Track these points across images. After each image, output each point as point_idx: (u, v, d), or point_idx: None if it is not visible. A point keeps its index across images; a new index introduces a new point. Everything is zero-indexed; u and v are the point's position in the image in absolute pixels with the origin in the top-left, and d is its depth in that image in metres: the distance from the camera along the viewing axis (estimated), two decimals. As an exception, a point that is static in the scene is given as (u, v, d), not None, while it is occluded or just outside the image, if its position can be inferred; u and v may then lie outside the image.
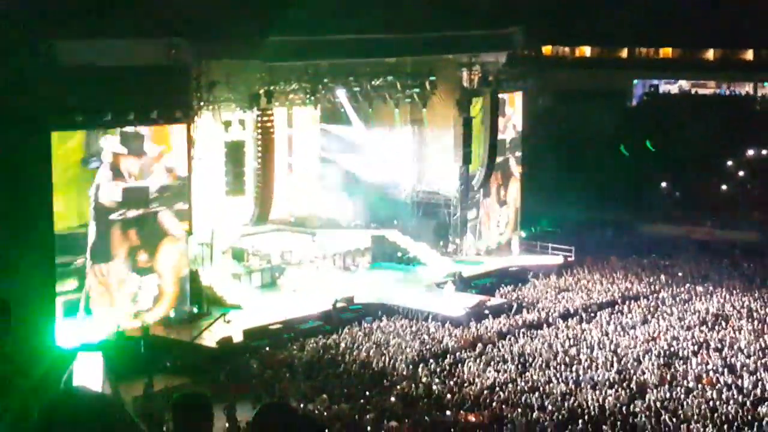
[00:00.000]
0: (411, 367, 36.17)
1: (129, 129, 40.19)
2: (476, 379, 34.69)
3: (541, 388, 33.74)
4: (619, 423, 30.55)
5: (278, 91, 46.15)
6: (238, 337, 38.80)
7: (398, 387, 34.02)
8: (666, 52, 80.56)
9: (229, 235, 47.19)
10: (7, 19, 38.96)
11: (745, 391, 33.31)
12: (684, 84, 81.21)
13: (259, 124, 44.05)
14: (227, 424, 31.21)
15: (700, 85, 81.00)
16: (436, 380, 34.71)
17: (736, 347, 38.01)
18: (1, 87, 38.73)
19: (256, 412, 4.66)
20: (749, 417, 30.91)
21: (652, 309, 43.87)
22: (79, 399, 4.22)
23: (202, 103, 43.16)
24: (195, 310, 41.74)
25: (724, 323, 41.44)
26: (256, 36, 42.54)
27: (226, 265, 45.93)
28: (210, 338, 38.85)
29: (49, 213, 38.29)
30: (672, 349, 37.91)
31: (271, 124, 44.29)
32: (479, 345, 38.75)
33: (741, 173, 67.39)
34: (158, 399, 34.05)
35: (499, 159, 54.91)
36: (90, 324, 38.92)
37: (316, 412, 31.40)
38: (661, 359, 36.67)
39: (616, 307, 44.39)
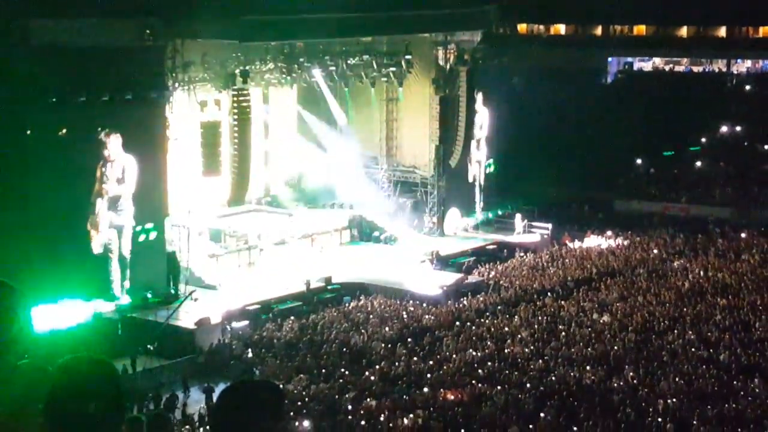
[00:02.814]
0: (389, 345, 36.28)
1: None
2: (455, 357, 34.83)
3: (519, 365, 33.92)
4: (597, 399, 30.76)
5: (254, 70, 45.99)
6: (216, 318, 38.74)
7: (377, 366, 34.12)
8: (640, 29, 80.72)
9: (206, 216, 47.05)
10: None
11: (721, 365, 33.60)
12: (658, 61, 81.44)
13: (235, 104, 43.87)
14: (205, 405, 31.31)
15: (674, 63, 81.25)
16: (415, 359, 34.82)
17: (711, 322, 38.29)
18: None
19: (218, 396, 4.73)
20: (725, 391, 31.21)
21: (628, 285, 44.10)
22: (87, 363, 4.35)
23: (177, 84, 42.93)
24: (172, 291, 41.59)
25: (699, 298, 41.72)
26: (230, 15, 42.31)
27: (203, 245, 45.79)
28: (188, 319, 38.78)
29: (25, 194, 38.11)
30: (648, 324, 38.16)
31: (247, 104, 44.13)
32: (457, 323, 38.88)
33: (715, 149, 67.71)
34: (139, 380, 34.09)
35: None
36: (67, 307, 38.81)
37: (295, 391, 31.47)
38: (638, 335, 36.91)
39: (593, 284, 44.57)
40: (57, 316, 38.12)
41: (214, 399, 30.78)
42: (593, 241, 53.20)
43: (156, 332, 37.24)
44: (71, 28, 38.73)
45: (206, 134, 44.26)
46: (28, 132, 38.65)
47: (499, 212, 56.99)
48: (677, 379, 32.08)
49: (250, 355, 36.03)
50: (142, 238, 41.41)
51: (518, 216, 54.59)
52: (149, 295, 41.20)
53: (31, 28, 37.91)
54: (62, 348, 35.87)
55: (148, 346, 36.32)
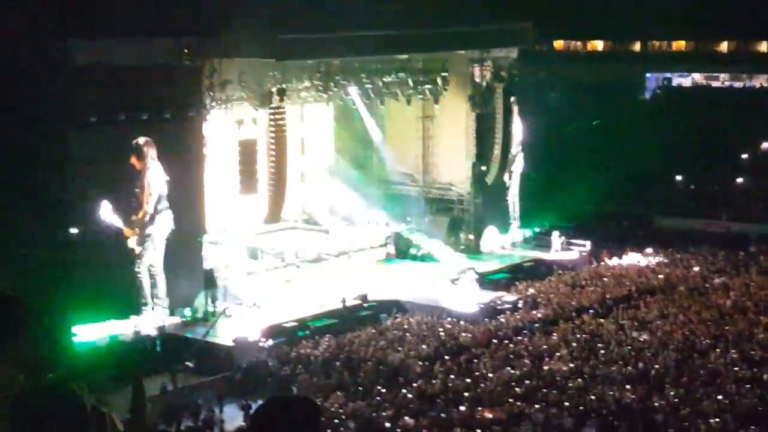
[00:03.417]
0: (426, 363, 36.11)
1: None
2: (492, 375, 34.60)
3: (557, 384, 33.64)
4: (637, 418, 30.42)
5: (290, 89, 46.09)
6: (253, 335, 38.78)
7: (414, 384, 33.96)
8: (679, 45, 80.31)
9: (243, 234, 47.19)
10: (21, 19, 39.06)
11: (764, 384, 33.13)
12: (697, 77, 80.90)
13: (272, 122, 43.99)
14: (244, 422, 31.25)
15: (713, 78, 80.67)
16: (452, 377, 34.63)
17: (753, 341, 37.81)
18: (16, 87, 38.90)
19: (255, 410, 4.66)
20: (768, 410, 30.80)
21: (668, 303, 43.67)
22: (47, 389, 4.25)
23: (214, 102, 43.15)
24: (210, 308, 41.69)
25: (741, 316, 41.21)
26: (267, 34, 42.48)
27: (240, 263, 45.90)
28: (225, 336, 38.84)
29: (66, 213, 38.41)
30: (689, 343, 37.74)
31: (284, 122, 44.25)
32: (494, 341, 38.65)
33: (756, 166, 67.07)
34: (176, 398, 34.20)
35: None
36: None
37: (332, 409, 31.38)
38: (679, 353, 36.51)
39: (632, 301, 44.19)
40: (97, 332, 38.46)
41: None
42: (632, 259, 52.77)
43: (193, 349, 37.30)
44: (110, 47, 39.03)
45: (243, 152, 44.41)
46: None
47: (536, 229, 56.69)
48: (719, 399, 31.66)
49: (286, 372, 35.97)
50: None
51: (555, 233, 54.23)
52: (210, 308, 41.39)
53: (70, 48, 38.24)
54: (100, 364, 36.22)
55: (187, 363, 36.36)
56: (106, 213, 39.10)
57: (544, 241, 54.82)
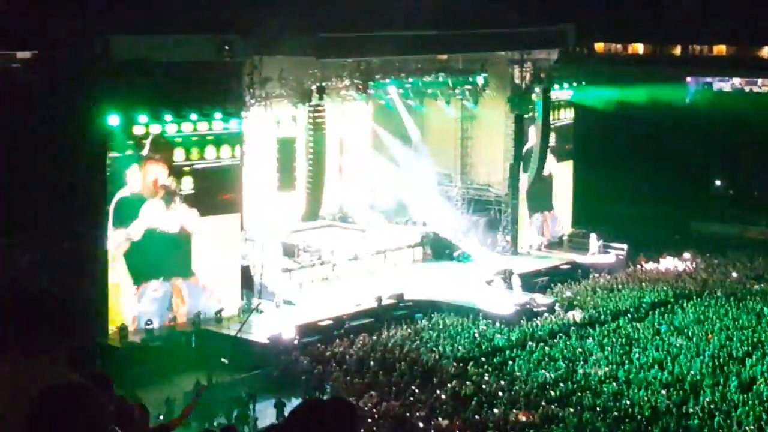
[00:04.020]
0: (461, 364, 36.08)
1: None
2: (526, 378, 34.52)
3: (592, 387, 33.52)
4: (672, 424, 30.26)
5: (330, 87, 46.19)
6: (288, 333, 38.90)
7: (448, 385, 33.95)
8: (720, 49, 79.57)
9: (280, 231, 47.36)
10: (64, 14, 39.45)
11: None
12: (738, 82, 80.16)
13: (311, 120, 44.11)
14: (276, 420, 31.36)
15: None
16: (486, 378, 34.59)
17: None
18: (60, 82, 39.33)
19: (291, 410, 4.71)
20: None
21: (705, 308, 43.37)
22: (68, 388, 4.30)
23: (254, 99, 43.33)
24: (246, 305, 41.87)
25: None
26: (308, 32, 42.59)
27: (277, 260, 46.10)
28: (260, 334, 39.00)
29: (105, 219, 38.80)
30: (726, 349, 37.47)
31: (323, 120, 44.35)
32: (530, 343, 38.56)
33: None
34: (209, 394, 34.34)
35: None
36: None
37: (366, 408, 31.44)
38: (715, 359, 36.27)
39: (669, 306, 43.94)
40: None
41: (285, 414, 30.93)
42: (669, 263, 52.44)
43: (228, 346, 37.47)
44: (152, 44, 39.30)
45: (282, 150, 44.58)
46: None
47: (574, 231, 56.50)
48: (756, 406, 31.42)
49: (320, 371, 36.05)
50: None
51: (593, 236, 54.00)
52: (246, 305, 41.60)
53: (113, 44, 38.56)
54: (135, 360, 36.56)
55: (222, 359, 36.56)
56: None
57: (581, 243, 54.57)
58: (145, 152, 39.79)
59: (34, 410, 4.17)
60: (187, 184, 41.09)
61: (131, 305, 39.86)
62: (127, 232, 39.95)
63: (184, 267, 41.30)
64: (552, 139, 54.39)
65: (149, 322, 39.59)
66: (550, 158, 55.03)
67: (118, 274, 39.68)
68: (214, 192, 41.59)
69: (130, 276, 39.93)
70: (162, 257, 40.66)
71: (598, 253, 53.10)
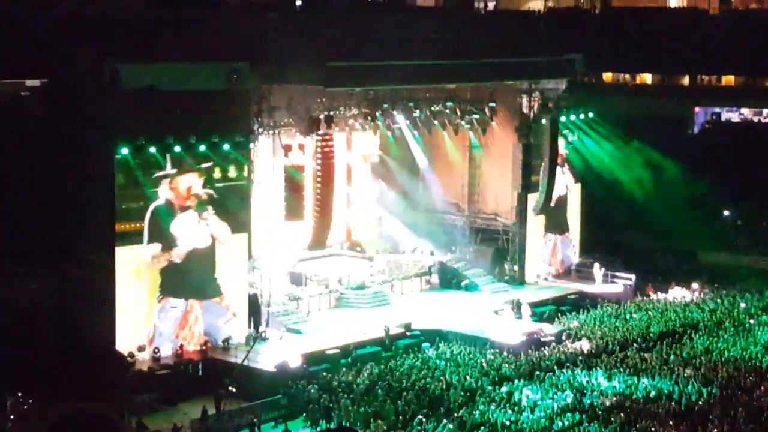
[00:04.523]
0: (468, 394, 35.94)
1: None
2: (534, 407, 34.37)
3: (600, 417, 33.35)
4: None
5: (338, 116, 46.33)
6: (295, 361, 38.82)
7: (455, 414, 33.81)
8: (728, 79, 79.68)
9: (288, 260, 47.38)
10: (73, 43, 39.69)
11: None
12: (746, 112, 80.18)
13: (319, 149, 44.19)
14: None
15: (762, 114, 79.91)
16: (493, 407, 34.44)
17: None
18: (68, 110, 39.54)
19: None
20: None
21: (713, 339, 43.21)
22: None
23: (262, 128, 43.46)
24: (254, 333, 41.82)
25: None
26: (316, 62, 42.75)
27: (284, 288, 46.10)
28: (267, 362, 38.92)
29: (113, 236, 38.83)
30: (734, 379, 37.30)
31: (331, 149, 44.42)
32: (537, 372, 38.41)
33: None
34: (216, 421, 34.30)
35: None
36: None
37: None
38: (723, 390, 36.09)
39: (677, 336, 43.79)
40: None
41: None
42: (678, 293, 52.30)
43: (235, 374, 37.40)
44: (161, 72, 39.45)
45: (290, 178, 44.64)
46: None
47: (580, 260, 56.50)
48: (764, 436, 31.27)
49: (327, 399, 35.93)
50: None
51: (596, 265, 54.08)
52: (254, 333, 41.55)
53: (121, 72, 38.72)
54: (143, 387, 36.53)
55: (229, 387, 36.48)
56: None
57: (587, 273, 54.55)
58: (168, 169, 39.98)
59: None
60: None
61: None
62: (171, 254, 40.18)
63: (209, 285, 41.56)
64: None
65: (156, 351, 39.48)
66: (569, 177, 55.25)
67: (143, 290, 39.73)
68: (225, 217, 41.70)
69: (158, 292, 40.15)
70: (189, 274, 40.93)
71: (602, 283, 53.08)
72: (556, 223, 55.60)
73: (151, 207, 39.63)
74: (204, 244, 41.05)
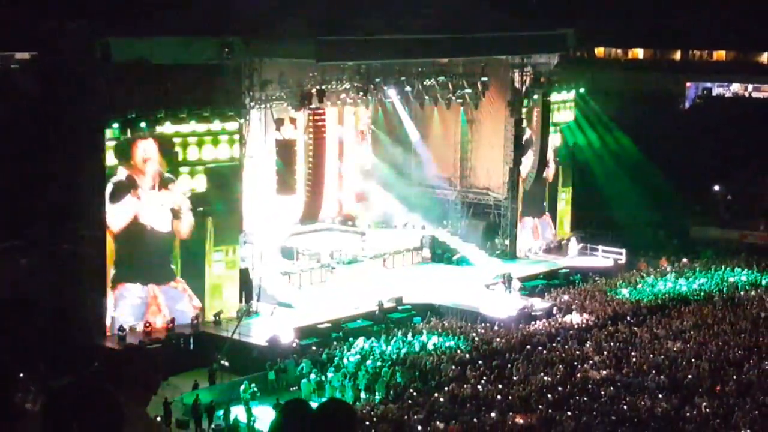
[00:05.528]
0: (459, 367, 36.09)
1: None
2: (524, 381, 34.54)
3: (590, 391, 33.53)
4: (669, 428, 30.28)
5: (330, 90, 46.22)
6: (287, 336, 38.92)
7: (446, 388, 33.96)
8: (720, 54, 79.74)
9: (279, 234, 47.39)
10: (64, 17, 39.52)
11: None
12: (737, 87, 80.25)
13: (311, 123, 44.12)
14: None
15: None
16: (484, 381, 34.60)
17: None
18: (59, 84, 39.38)
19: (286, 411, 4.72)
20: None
21: (703, 313, 43.40)
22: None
23: (253, 102, 43.35)
24: (245, 307, 41.87)
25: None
26: (308, 36, 42.63)
27: (275, 263, 46.12)
28: (259, 336, 39.02)
29: (102, 214, 38.75)
30: (723, 354, 37.51)
31: (323, 123, 44.34)
32: (528, 347, 38.57)
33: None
34: (210, 395, 34.40)
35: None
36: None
37: (364, 411, 31.46)
38: (712, 364, 36.29)
39: (667, 311, 43.96)
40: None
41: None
42: (667, 268, 52.41)
43: (225, 348, 37.50)
44: (152, 46, 39.34)
45: (281, 153, 44.59)
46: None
47: (572, 234, 56.59)
48: (752, 410, 31.45)
49: (319, 373, 36.06)
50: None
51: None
52: (244, 307, 41.55)
53: (112, 46, 38.59)
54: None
55: (222, 361, 36.59)
56: None
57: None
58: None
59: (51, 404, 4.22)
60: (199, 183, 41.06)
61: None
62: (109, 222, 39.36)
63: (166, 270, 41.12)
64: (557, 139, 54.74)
65: (122, 329, 39.27)
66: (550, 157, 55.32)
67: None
68: (216, 191, 41.53)
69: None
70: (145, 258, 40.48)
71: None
72: (533, 206, 55.41)
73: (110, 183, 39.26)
74: (162, 228, 40.73)
